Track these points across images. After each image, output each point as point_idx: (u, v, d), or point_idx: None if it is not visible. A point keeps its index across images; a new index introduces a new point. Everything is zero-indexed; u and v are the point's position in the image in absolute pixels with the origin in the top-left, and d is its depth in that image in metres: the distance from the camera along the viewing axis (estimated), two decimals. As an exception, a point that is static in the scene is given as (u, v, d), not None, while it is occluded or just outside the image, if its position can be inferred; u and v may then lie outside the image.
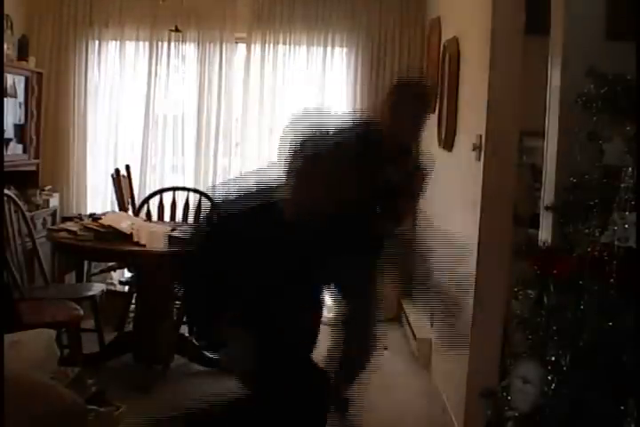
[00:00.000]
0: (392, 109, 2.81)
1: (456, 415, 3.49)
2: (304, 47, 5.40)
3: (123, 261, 4.33)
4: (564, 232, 2.08)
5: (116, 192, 4.92)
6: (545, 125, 2.55)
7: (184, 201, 4.88)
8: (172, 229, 3.97)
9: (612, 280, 1.77)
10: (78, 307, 3.64)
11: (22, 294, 3.66)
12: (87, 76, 5.36)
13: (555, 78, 2.48)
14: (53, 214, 5.08)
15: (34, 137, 5.00)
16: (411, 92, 2.86)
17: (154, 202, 4.87)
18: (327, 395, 2.43)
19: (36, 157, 5.04)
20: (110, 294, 4.54)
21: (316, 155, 2.14)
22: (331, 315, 2.79)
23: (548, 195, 2.45)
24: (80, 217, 4.34)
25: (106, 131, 5.45)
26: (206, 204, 2.58)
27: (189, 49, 5.44)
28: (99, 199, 5.49)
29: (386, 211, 2.77)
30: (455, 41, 3.91)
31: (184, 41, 5.38)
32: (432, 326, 4.37)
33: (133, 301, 4.36)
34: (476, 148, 3.27)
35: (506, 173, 3.16)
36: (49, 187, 5.14)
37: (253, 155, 5.49)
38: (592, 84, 1.95)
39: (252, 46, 5.40)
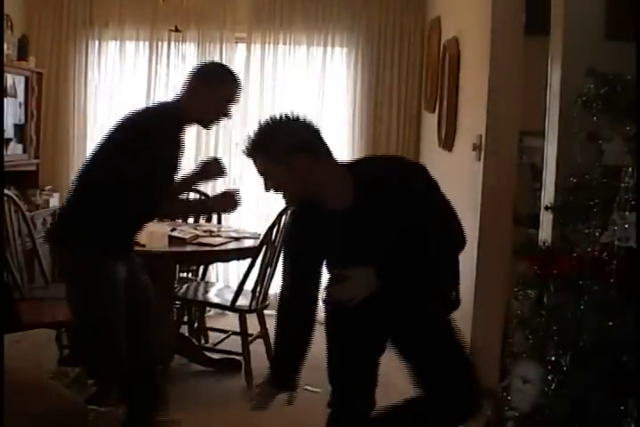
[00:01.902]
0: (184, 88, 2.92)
1: (456, 415, 3.49)
2: (304, 47, 5.40)
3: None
4: (564, 232, 2.08)
5: (116, 192, 4.92)
6: (545, 125, 2.55)
7: (184, 201, 4.89)
8: (172, 229, 3.98)
9: (612, 280, 1.77)
10: (78, 307, 3.64)
11: (22, 294, 3.66)
12: (87, 76, 5.36)
13: (555, 78, 2.48)
14: (53, 214, 5.06)
15: (34, 137, 5.00)
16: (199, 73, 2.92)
17: (154, 202, 4.87)
18: None
19: (36, 157, 5.04)
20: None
21: None
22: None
23: (547, 195, 2.45)
24: (80, 217, 4.33)
25: (106, 131, 5.44)
26: None
27: (189, 49, 5.44)
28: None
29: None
30: (455, 41, 3.91)
31: (184, 41, 5.37)
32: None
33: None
34: (476, 148, 3.27)
35: (506, 173, 3.16)
36: (49, 187, 5.14)
37: (253, 155, 5.49)
38: (592, 84, 1.95)
39: (252, 46, 5.40)
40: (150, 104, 2.98)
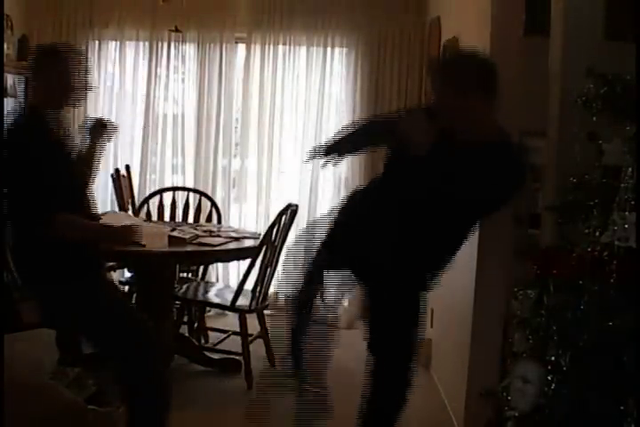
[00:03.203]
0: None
1: (456, 415, 3.49)
2: (304, 47, 5.40)
3: (123, 261, 4.33)
4: (564, 232, 2.08)
5: (116, 192, 4.92)
6: (545, 125, 2.55)
7: (184, 201, 4.89)
8: (172, 229, 3.97)
9: (612, 280, 1.77)
10: (78, 307, 3.63)
11: (22, 294, 3.66)
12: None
13: (555, 78, 2.48)
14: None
15: (34, 137, 4.99)
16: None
17: (154, 202, 4.87)
18: None
19: (36, 157, 5.03)
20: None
21: None
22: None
23: (547, 195, 2.45)
24: (80, 217, 4.33)
25: (106, 131, 5.45)
26: None
27: (189, 49, 5.44)
28: (99, 199, 5.48)
29: None
30: (455, 41, 3.91)
31: (184, 41, 5.38)
32: (432, 326, 4.37)
33: (133, 301, 4.37)
34: (476, 148, 3.26)
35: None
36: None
37: (253, 155, 5.50)
38: (592, 84, 1.95)
39: (252, 46, 5.40)
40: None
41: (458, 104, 2.43)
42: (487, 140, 2.44)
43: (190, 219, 4.82)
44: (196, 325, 4.52)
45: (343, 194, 5.40)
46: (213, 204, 4.88)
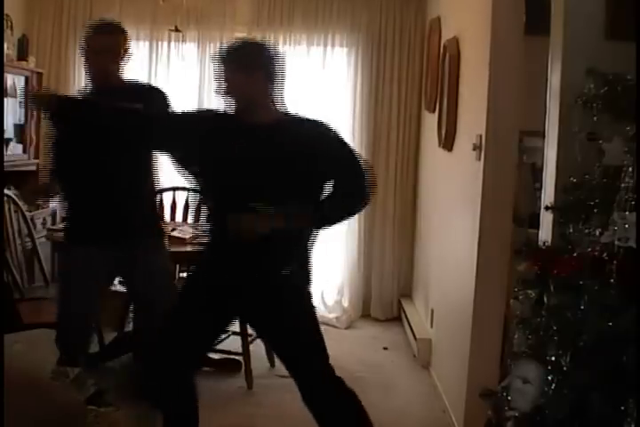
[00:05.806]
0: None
1: (456, 415, 3.49)
2: (304, 47, 5.40)
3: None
4: (564, 232, 2.08)
5: (116, 192, 4.91)
6: (545, 125, 2.55)
7: (184, 201, 4.89)
8: (172, 229, 3.97)
9: (612, 280, 1.77)
10: (78, 307, 3.63)
11: (22, 294, 3.66)
12: (87, 76, 5.36)
13: (555, 78, 2.48)
14: (53, 214, 5.07)
15: (34, 137, 5.00)
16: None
17: (154, 202, 4.87)
18: None
19: (36, 157, 5.04)
20: (110, 294, 4.52)
21: None
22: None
23: (548, 195, 2.45)
24: (80, 217, 4.33)
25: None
26: None
27: (189, 49, 5.44)
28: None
29: None
30: (455, 41, 3.91)
31: (184, 41, 5.38)
32: (432, 326, 4.37)
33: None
34: (476, 148, 3.27)
35: (506, 173, 3.16)
36: (49, 187, 5.13)
37: (253, 155, 5.49)
38: (592, 84, 1.95)
39: (252, 46, 5.40)
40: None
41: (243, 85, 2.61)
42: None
43: (190, 219, 4.82)
44: (195, 325, 4.51)
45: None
46: (213, 204, 4.87)
